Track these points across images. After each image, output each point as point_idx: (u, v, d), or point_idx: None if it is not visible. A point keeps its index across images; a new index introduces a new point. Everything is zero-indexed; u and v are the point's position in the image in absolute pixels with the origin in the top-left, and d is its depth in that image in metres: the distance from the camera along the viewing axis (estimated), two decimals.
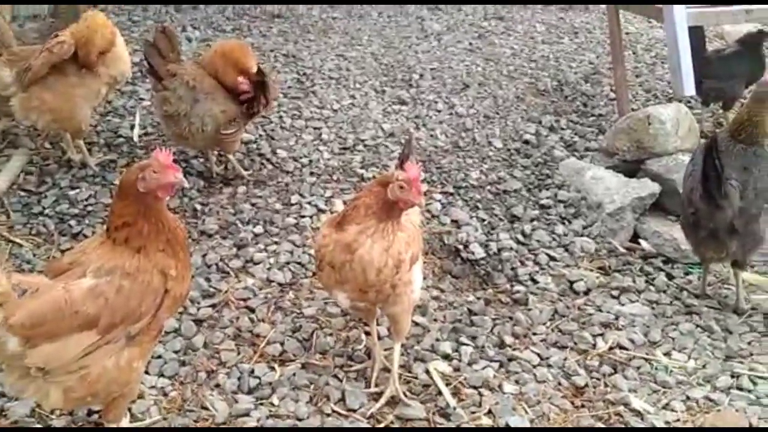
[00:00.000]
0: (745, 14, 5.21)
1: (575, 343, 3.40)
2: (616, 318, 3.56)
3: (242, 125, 4.39)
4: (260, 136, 4.98)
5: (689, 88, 4.65)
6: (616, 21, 5.65)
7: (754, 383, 3.18)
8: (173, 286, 2.52)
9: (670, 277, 3.93)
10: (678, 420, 2.96)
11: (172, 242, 2.53)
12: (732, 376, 3.21)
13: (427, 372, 3.18)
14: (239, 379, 3.07)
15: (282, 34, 7.02)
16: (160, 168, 2.47)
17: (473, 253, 3.98)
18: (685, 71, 4.59)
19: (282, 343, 3.28)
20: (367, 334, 3.29)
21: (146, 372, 3.02)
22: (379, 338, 3.26)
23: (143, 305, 2.46)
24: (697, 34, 5.24)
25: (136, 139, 4.87)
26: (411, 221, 3.02)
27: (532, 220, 4.30)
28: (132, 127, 4.98)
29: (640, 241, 4.23)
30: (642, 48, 7.38)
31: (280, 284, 3.66)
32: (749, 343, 3.44)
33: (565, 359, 3.29)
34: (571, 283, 3.83)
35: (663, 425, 2.94)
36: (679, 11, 4.68)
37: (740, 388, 3.15)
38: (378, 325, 3.29)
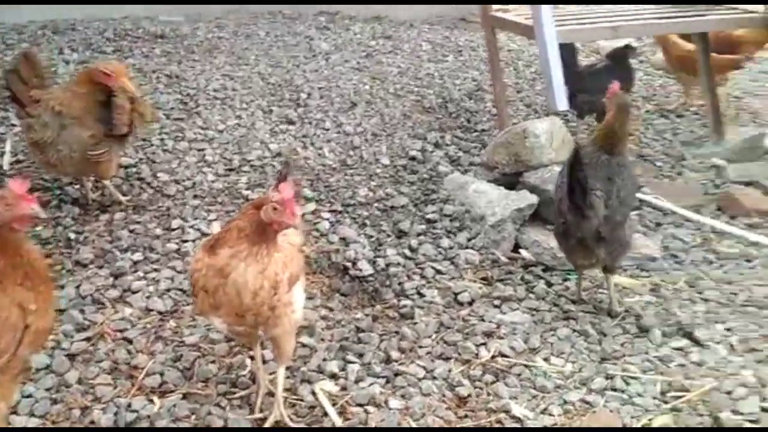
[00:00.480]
0: (612, 31, 5.50)
1: (459, 354, 3.45)
2: (498, 327, 3.64)
3: (113, 149, 4.24)
4: (140, 159, 4.85)
5: (561, 104, 4.84)
6: (493, 39, 5.85)
7: (627, 383, 3.31)
8: (34, 321, 2.40)
9: (549, 284, 4.06)
10: (555, 424, 3.05)
11: (31, 275, 2.41)
12: (606, 378, 3.33)
13: (314, 393, 3.14)
14: (115, 414, 2.93)
15: (165, 55, 6.88)
16: (13, 199, 2.36)
17: (361, 270, 3.99)
18: (557, 87, 4.79)
19: (162, 374, 3.17)
20: (252, 358, 3.24)
21: (14, 413, 2.86)
22: (265, 362, 3.21)
23: (1, 343, 2.34)
24: (569, 49, 5.50)
25: (6, 167, 4.64)
26: (289, 241, 2.99)
27: (418, 234, 4.37)
28: (2, 155, 4.75)
29: (521, 250, 4.36)
30: (523, 64, 7.67)
31: (160, 313, 3.55)
32: (622, 345, 3.59)
33: (450, 370, 3.33)
34: (456, 294, 3.89)
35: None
36: (549, 30, 4.87)
37: (614, 389, 3.26)
38: (263, 348, 3.24)
